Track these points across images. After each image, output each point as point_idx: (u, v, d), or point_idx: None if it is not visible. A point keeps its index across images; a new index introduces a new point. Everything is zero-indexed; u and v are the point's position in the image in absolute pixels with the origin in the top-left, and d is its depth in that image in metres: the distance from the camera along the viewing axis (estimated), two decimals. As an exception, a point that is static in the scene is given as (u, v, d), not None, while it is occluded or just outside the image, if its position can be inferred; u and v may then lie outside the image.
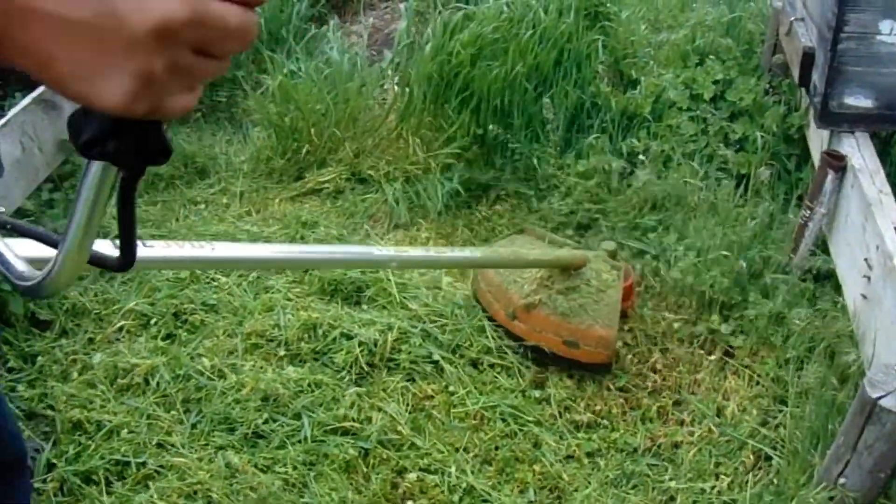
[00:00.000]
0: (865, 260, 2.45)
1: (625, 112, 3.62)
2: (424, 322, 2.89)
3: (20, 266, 1.17)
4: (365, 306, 2.99)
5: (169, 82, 0.73)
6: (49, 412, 2.60)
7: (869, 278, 2.45)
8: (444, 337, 2.86)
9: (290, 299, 3.01)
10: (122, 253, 1.03)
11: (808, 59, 2.96)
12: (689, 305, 3.02)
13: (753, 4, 4.04)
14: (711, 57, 3.69)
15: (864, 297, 2.49)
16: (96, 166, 0.94)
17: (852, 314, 2.60)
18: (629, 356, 2.88)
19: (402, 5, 4.67)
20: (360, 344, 2.78)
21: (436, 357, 2.79)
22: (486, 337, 2.88)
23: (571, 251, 2.94)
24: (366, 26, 4.71)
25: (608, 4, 4.15)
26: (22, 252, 1.19)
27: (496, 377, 2.78)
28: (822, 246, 2.96)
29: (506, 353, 2.85)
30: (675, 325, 2.96)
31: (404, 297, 2.99)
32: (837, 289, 2.82)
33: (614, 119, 3.59)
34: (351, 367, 2.75)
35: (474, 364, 2.83)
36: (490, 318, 2.95)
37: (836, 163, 2.72)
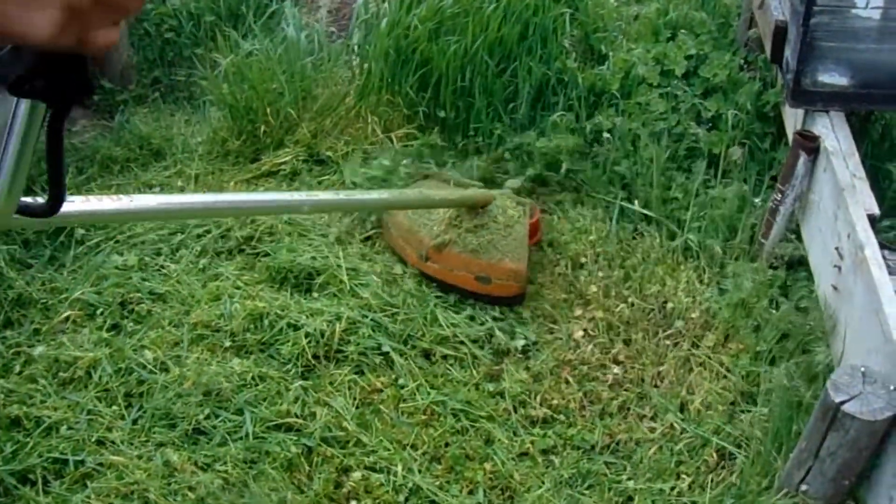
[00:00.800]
0: (836, 249, 2.31)
1: (592, 89, 3.46)
2: (375, 311, 2.75)
3: None
4: (315, 294, 2.85)
5: (93, 15, 0.80)
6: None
7: (840, 268, 2.32)
8: (396, 327, 2.72)
9: (238, 287, 2.87)
10: (49, 196, 1.05)
11: (780, 33, 2.81)
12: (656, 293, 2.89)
13: (729, -25, 3.88)
14: (684, 31, 3.53)
15: (835, 288, 2.36)
16: (24, 107, 1.00)
17: (823, 306, 2.47)
18: (590, 346, 2.75)
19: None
20: (307, 335, 2.65)
21: (385, 348, 2.66)
22: (440, 326, 2.75)
23: (477, 190, 2.99)
24: (332, 1, 4.54)
25: (576, -27, 3.99)
26: None
27: (449, 369, 2.65)
28: (795, 231, 2.82)
29: (461, 342, 2.72)
30: (640, 314, 2.82)
31: (355, 285, 2.85)
32: (811, 278, 2.69)
33: (581, 96, 3.43)
34: (297, 359, 2.63)
35: (426, 355, 2.70)
36: (402, 262, 2.99)
37: (809, 144, 2.58)
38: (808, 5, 2.53)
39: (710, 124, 3.34)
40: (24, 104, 1.01)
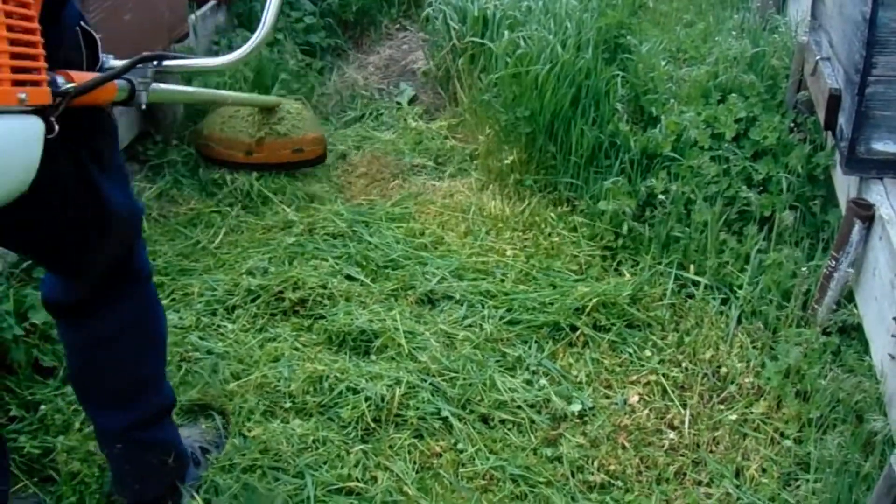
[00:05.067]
0: (894, 319, 2.32)
1: (644, 151, 3.51)
2: (434, 376, 2.80)
3: None
4: (374, 356, 2.91)
5: None
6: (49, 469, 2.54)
7: (897, 338, 2.33)
8: (454, 391, 2.76)
9: (296, 349, 2.94)
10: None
11: (834, 101, 2.84)
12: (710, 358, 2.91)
13: (778, 38, 3.92)
14: (734, 94, 3.57)
15: (893, 357, 2.37)
16: None
17: (879, 374, 2.48)
18: (645, 411, 2.77)
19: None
20: (367, 399, 2.70)
21: (444, 413, 2.70)
22: (498, 391, 2.78)
23: (265, 96, 4.01)
24: (381, 58, 4.65)
25: (628, 37, 4.06)
26: None
27: (507, 434, 2.68)
28: (849, 296, 2.84)
29: (518, 407, 2.75)
30: (693, 378, 2.85)
31: (413, 349, 2.90)
32: (865, 344, 2.70)
33: (633, 159, 3.49)
34: (357, 422, 2.66)
35: (484, 419, 2.73)
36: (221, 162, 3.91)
37: (864, 212, 2.61)
38: (864, 76, 2.57)
39: (761, 187, 3.37)
40: None
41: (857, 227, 2.62)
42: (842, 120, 2.82)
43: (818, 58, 3.07)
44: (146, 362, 2.23)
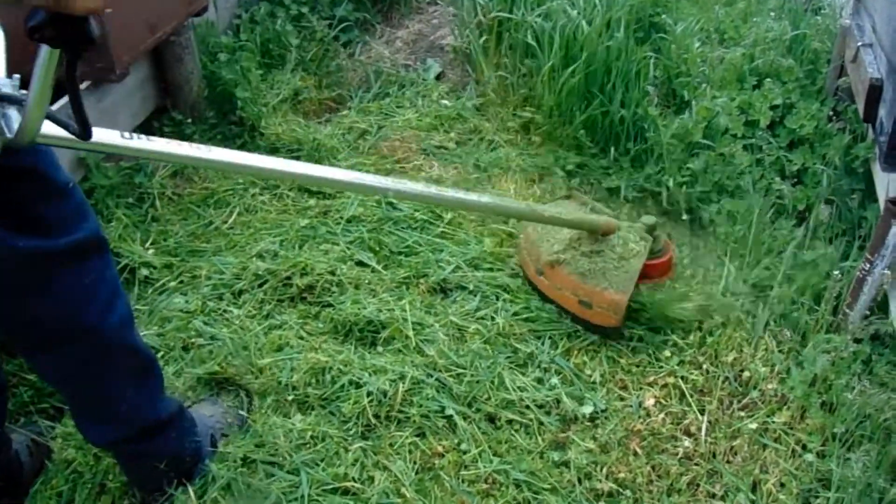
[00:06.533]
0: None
1: (675, 136, 3.35)
2: (440, 371, 2.69)
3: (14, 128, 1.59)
4: (380, 348, 2.80)
5: None
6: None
7: (931, 353, 2.18)
8: (461, 388, 2.65)
9: (301, 338, 2.84)
10: (78, 124, 1.56)
11: (874, 92, 2.66)
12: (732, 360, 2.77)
13: (820, 19, 3.72)
14: (770, 79, 3.39)
15: (925, 373, 2.22)
16: (43, 50, 1.40)
17: (911, 390, 2.33)
18: (661, 415, 2.64)
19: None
20: (370, 394, 2.59)
21: (449, 411, 2.58)
22: (506, 389, 2.66)
23: (600, 216, 2.98)
24: (409, 33, 4.50)
25: (663, 16, 3.88)
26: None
27: (513, 435, 2.56)
28: (883, 302, 2.67)
29: (527, 407, 2.63)
30: (714, 381, 2.71)
31: (421, 341, 2.79)
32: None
33: (667, 147, 3.34)
34: (358, 418, 2.56)
35: (491, 419, 2.61)
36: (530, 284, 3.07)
37: (901, 214, 2.44)
38: (907, 65, 2.40)
39: (796, 179, 3.20)
40: (43, 47, 1.39)
41: (894, 230, 2.45)
42: (882, 112, 2.64)
43: (860, 44, 2.88)
44: (119, 389, 2.09)
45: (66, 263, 1.83)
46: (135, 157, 3.28)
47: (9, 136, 1.56)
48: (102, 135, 1.93)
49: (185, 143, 2.11)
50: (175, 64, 3.74)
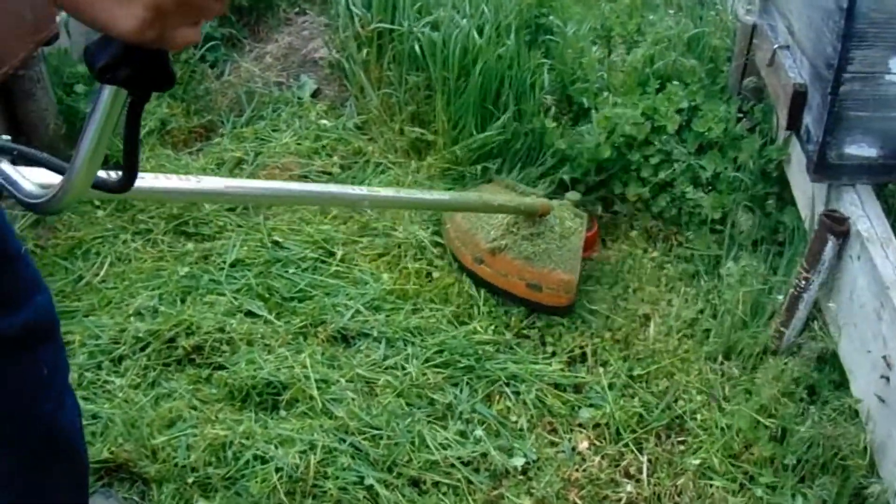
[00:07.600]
0: (884, 357, 2.01)
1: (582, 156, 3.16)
2: (353, 434, 2.41)
3: (28, 186, 1.36)
4: (283, 412, 2.50)
5: (176, 16, 0.91)
6: None
7: (888, 379, 2.01)
8: (378, 452, 2.38)
9: (194, 407, 2.51)
10: (124, 173, 1.17)
11: (799, 98, 2.50)
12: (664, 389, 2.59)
13: (715, 14, 3.57)
14: (673, 81, 3.21)
15: (882, 400, 2.06)
16: (107, 93, 1.08)
17: (865, 417, 2.16)
18: (597, 459, 2.43)
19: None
20: (278, 470, 2.30)
21: (368, 480, 2.31)
22: (428, 448, 2.41)
23: (537, 199, 2.98)
24: (279, 48, 4.18)
25: (550, 17, 3.67)
26: (29, 176, 1.38)
27: (441, 499, 2.31)
28: (817, 318, 2.52)
29: (453, 466, 2.38)
30: (648, 415, 2.52)
31: (327, 401, 2.51)
32: (841, 373, 2.39)
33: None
34: (268, 497, 2.27)
35: (415, 483, 2.36)
36: (460, 267, 3.03)
37: (838, 227, 2.28)
38: (838, 72, 2.22)
39: (710, 186, 3.03)
40: (108, 89, 1.08)
41: (831, 244, 2.30)
42: (808, 120, 2.49)
43: (776, 46, 2.72)
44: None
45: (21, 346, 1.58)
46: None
47: (41, 200, 1.30)
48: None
49: (173, 176, 2.02)
50: (26, 101, 3.35)
